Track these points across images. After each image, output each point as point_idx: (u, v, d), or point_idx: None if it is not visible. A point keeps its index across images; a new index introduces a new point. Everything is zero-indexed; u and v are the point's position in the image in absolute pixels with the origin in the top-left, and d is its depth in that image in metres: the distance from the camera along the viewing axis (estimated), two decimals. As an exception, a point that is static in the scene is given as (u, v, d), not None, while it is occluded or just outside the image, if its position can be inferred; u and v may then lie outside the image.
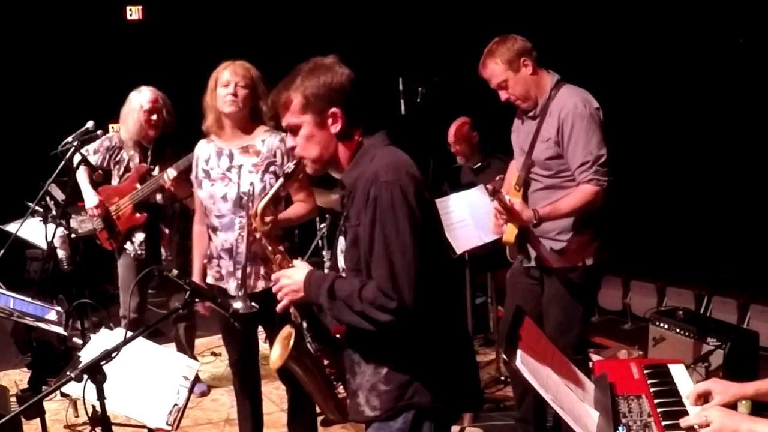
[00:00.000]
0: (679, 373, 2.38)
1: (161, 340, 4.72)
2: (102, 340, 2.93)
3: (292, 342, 2.27)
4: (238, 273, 3.29)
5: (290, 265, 2.30)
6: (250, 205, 3.15)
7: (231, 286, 3.33)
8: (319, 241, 5.87)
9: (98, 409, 2.37)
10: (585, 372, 2.60)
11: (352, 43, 7.52)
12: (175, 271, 2.58)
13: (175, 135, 4.47)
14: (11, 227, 4.82)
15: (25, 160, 6.65)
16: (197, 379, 4.82)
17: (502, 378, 4.65)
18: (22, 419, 3.22)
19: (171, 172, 4.02)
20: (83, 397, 2.39)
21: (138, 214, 4.36)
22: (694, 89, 5.90)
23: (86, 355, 2.77)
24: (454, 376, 2.19)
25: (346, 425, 3.84)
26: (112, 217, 4.42)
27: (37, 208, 4.32)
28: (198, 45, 7.93)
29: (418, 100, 5.31)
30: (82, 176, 4.43)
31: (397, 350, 2.12)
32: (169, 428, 2.78)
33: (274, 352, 2.37)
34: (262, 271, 3.30)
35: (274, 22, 8.06)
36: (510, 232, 3.34)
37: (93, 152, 4.42)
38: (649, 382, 2.32)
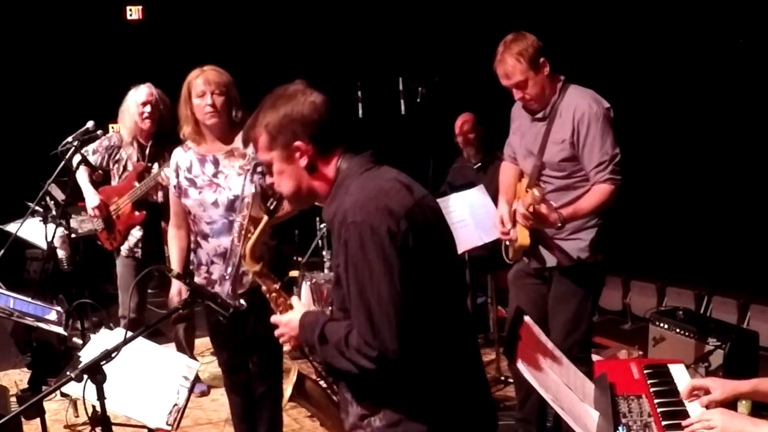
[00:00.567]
0: (679, 373, 2.38)
1: (161, 340, 4.72)
2: (102, 340, 2.93)
3: (291, 384, 2.23)
4: (235, 275, 3.29)
5: (287, 302, 2.21)
6: (245, 207, 3.16)
7: (225, 288, 3.31)
8: (319, 241, 5.86)
9: (98, 409, 2.37)
10: (588, 371, 2.60)
11: (353, 43, 7.55)
12: (175, 271, 2.58)
13: (174, 134, 4.47)
14: (11, 227, 4.82)
15: (25, 160, 6.66)
16: (197, 379, 4.83)
17: (502, 378, 4.65)
18: (22, 419, 3.22)
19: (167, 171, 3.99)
20: (83, 397, 2.39)
21: (137, 213, 4.36)
22: (694, 89, 5.90)
23: (86, 355, 2.77)
24: (457, 411, 1.99)
25: None
26: (112, 216, 4.42)
27: (37, 208, 4.32)
28: (198, 45, 7.93)
29: (418, 100, 5.31)
30: (82, 176, 4.43)
31: (390, 392, 1.96)
32: (169, 428, 2.78)
33: (285, 390, 2.34)
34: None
35: (274, 22, 8.07)
36: (524, 235, 3.33)
37: (92, 152, 4.42)
38: (649, 382, 2.32)
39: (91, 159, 4.38)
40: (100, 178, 4.48)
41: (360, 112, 5.95)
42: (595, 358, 3.68)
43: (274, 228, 3.31)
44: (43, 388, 3.86)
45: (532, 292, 3.51)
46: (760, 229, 5.49)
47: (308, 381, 2.27)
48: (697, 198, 5.94)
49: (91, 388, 2.28)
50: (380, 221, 1.83)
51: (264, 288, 2.29)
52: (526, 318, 2.36)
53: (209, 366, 5.17)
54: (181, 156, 3.37)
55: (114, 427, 2.58)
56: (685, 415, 2.11)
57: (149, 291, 5.30)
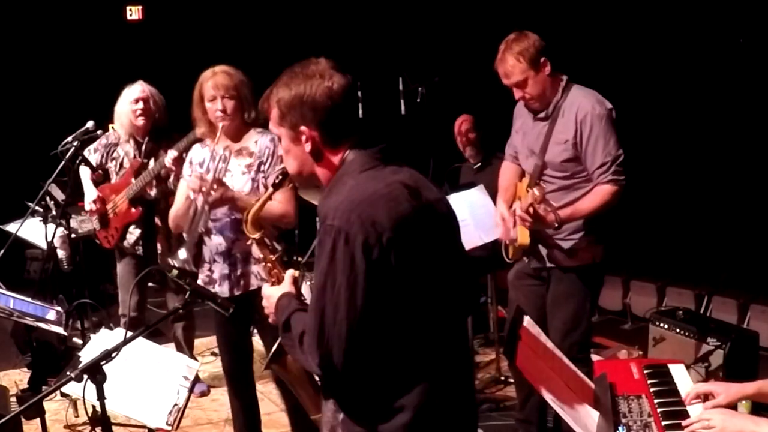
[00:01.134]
0: (679, 373, 2.38)
1: (161, 340, 4.72)
2: (102, 340, 2.93)
3: (271, 353, 2.21)
4: (233, 275, 3.30)
5: (281, 274, 2.17)
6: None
7: (224, 288, 3.32)
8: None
9: (98, 409, 2.37)
10: (587, 371, 2.60)
11: (353, 42, 7.54)
12: (175, 271, 2.58)
13: (174, 134, 4.47)
14: (11, 227, 4.82)
15: (25, 160, 6.66)
16: (197, 379, 4.84)
17: (502, 378, 4.65)
18: (22, 419, 3.22)
19: (172, 153, 3.89)
20: (83, 397, 2.39)
21: (133, 209, 4.35)
22: (694, 89, 5.90)
23: (86, 355, 2.77)
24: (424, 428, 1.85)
25: None
26: (108, 214, 4.42)
27: (37, 208, 4.32)
28: (198, 45, 7.92)
29: (418, 100, 5.31)
30: (84, 173, 4.45)
31: (354, 399, 1.88)
32: (169, 428, 2.78)
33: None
34: (255, 270, 3.29)
35: (274, 21, 8.06)
36: (524, 234, 3.33)
37: (93, 151, 4.45)
38: (649, 382, 2.32)
39: (92, 158, 4.39)
40: (100, 177, 4.49)
41: (360, 112, 5.95)
42: (595, 358, 3.68)
43: (278, 232, 3.32)
44: (43, 388, 3.86)
45: (531, 293, 3.51)
46: (760, 229, 5.49)
47: (285, 357, 2.19)
48: (697, 198, 5.94)
49: (91, 388, 2.28)
50: (358, 230, 1.73)
51: (261, 256, 2.27)
52: (526, 318, 2.36)
53: (209, 366, 5.18)
54: (197, 152, 3.41)
55: (114, 427, 2.58)
56: (685, 415, 2.11)
57: (150, 285, 5.30)
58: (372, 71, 6.50)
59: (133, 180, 4.32)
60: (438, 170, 5.54)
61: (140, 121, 4.34)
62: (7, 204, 5.40)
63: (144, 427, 2.97)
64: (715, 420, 1.96)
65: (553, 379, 2.18)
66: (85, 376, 2.24)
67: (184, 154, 3.60)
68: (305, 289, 5.12)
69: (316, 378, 2.15)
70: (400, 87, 5.64)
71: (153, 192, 4.39)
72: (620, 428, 2.08)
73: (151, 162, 4.34)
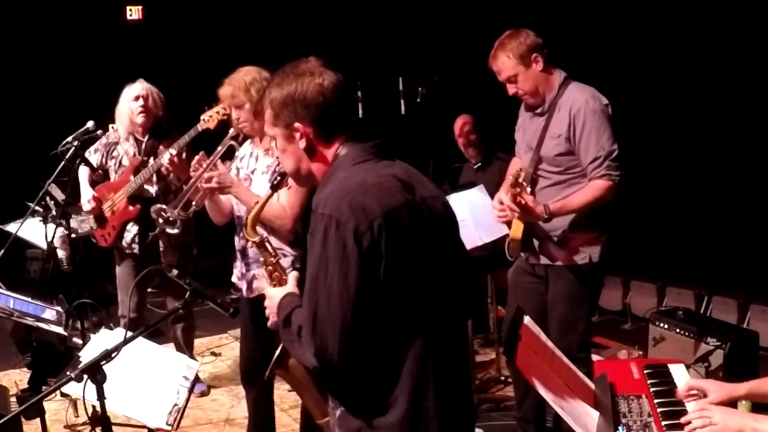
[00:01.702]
0: (679, 373, 2.38)
1: (161, 340, 4.71)
2: (102, 340, 2.93)
3: (275, 358, 2.23)
4: (249, 275, 3.32)
5: (282, 278, 2.19)
6: None
7: (243, 287, 3.37)
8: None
9: (98, 409, 2.37)
10: (587, 371, 2.60)
11: (353, 42, 7.54)
12: (175, 271, 2.58)
13: (174, 132, 4.47)
14: (11, 227, 4.82)
15: (25, 160, 6.66)
16: (197, 379, 4.85)
17: (502, 378, 4.65)
18: (22, 419, 3.22)
19: (172, 150, 3.86)
20: (83, 397, 2.39)
21: (132, 207, 4.34)
22: (694, 89, 5.90)
23: (86, 355, 2.77)
24: (421, 421, 1.86)
25: None
26: (105, 213, 4.41)
27: (37, 208, 4.32)
28: (198, 45, 7.94)
29: (418, 100, 5.31)
30: (83, 174, 4.44)
31: (350, 393, 1.90)
32: (169, 428, 2.78)
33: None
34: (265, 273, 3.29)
35: (274, 21, 8.07)
36: (516, 228, 3.34)
37: (94, 151, 4.46)
38: (649, 382, 2.32)
39: (93, 158, 4.40)
40: (100, 177, 4.48)
41: (360, 112, 5.95)
42: (595, 358, 3.67)
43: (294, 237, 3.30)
44: (43, 388, 3.86)
45: (530, 291, 3.51)
46: (760, 229, 5.49)
47: (292, 358, 2.20)
48: (697, 198, 5.94)
49: (91, 388, 2.28)
50: (349, 217, 1.76)
51: (262, 259, 2.28)
52: (526, 317, 2.36)
53: (209, 366, 5.18)
54: (244, 148, 3.42)
55: (114, 427, 2.58)
56: (684, 414, 2.11)
57: (149, 290, 5.30)
58: (372, 71, 6.50)
59: (132, 178, 4.32)
60: (438, 170, 5.54)
61: (140, 119, 4.34)
62: (7, 204, 5.40)
63: (144, 427, 2.97)
64: (716, 417, 1.95)
65: (553, 378, 2.18)
66: (85, 376, 2.24)
67: (183, 152, 3.60)
68: None
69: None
70: (400, 87, 5.64)
71: (152, 190, 4.38)
72: (620, 428, 2.08)
73: (151, 160, 4.34)
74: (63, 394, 4.22)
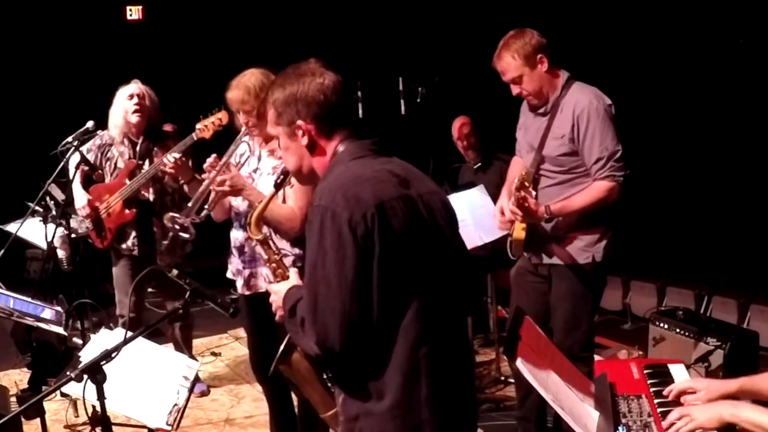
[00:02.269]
0: (679, 373, 2.38)
1: (161, 340, 4.71)
2: (102, 340, 2.93)
3: (279, 354, 2.25)
4: (245, 272, 3.33)
5: (285, 274, 2.25)
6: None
7: (239, 284, 3.38)
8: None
9: (98, 409, 2.37)
10: (589, 370, 2.60)
11: (353, 42, 7.55)
12: (175, 271, 2.58)
13: (169, 135, 4.47)
14: (11, 227, 4.82)
15: (25, 160, 6.65)
16: (197, 379, 4.85)
17: (502, 378, 4.65)
18: (22, 419, 3.23)
19: (174, 154, 3.78)
20: (83, 397, 2.39)
21: (127, 211, 4.33)
22: (694, 89, 5.90)
23: (86, 355, 2.77)
24: (410, 421, 1.90)
25: None
26: (101, 215, 4.40)
27: (37, 208, 4.32)
28: (198, 45, 7.93)
29: (418, 100, 5.30)
30: (76, 179, 4.38)
31: (350, 380, 1.95)
32: (169, 428, 2.78)
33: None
34: (265, 271, 3.30)
35: (274, 21, 8.07)
36: (519, 228, 3.34)
37: (87, 151, 4.39)
38: (649, 382, 2.32)
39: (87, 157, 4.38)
40: (101, 177, 4.47)
41: (360, 112, 5.95)
42: (595, 358, 3.68)
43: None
44: (43, 388, 3.86)
45: (533, 290, 3.51)
46: (760, 229, 5.49)
47: (296, 353, 2.23)
48: (697, 198, 5.94)
49: (91, 388, 2.28)
50: (343, 208, 1.83)
51: (266, 257, 2.36)
52: (527, 317, 2.36)
53: (209, 366, 5.18)
54: (244, 144, 3.40)
55: (114, 427, 2.58)
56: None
57: (148, 290, 5.30)
58: (372, 71, 6.50)
59: (127, 181, 4.30)
60: (438, 170, 5.54)
61: (135, 118, 4.30)
62: (7, 204, 5.39)
63: (144, 427, 2.97)
64: (695, 412, 1.98)
65: (553, 378, 2.18)
66: (85, 376, 2.24)
67: (183, 157, 3.60)
68: None
69: (324, 375, 2.21)
70: (400, 87, 5.64)
71: (149, 193, 4.37)
72: (620, 428, 2.08)
73: (146, 164, 4.32)
74: (63, 394, 4.22)
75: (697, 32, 5.80)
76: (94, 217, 4.41)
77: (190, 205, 3.15)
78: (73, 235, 4.56)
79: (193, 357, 4.84)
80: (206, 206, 3.32)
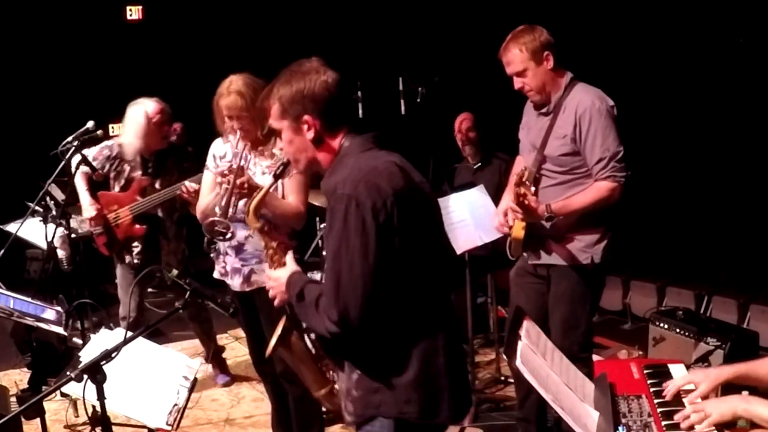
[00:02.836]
0: (679, 373, 2.38)
1: (161, 340, 4.73)
2: (102, 340, 2.93)
3: (277, 334, 2.35)
4: (245, 269, 3.36)
5: (282, 260, 2.33)
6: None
7: (235, 282, 3.40)
8: (319, 241, 5.87)
9: (98, 409, 2.37)
10: (589, 371, 2.60)
11: (353, 43, 7.55)
12: (175, 272, 2.59)
13: (183, 132, 4.47)
14: (11, 227, 4.82)
15: (25, 160, 6.66)
16: (224, 370, 4.89)
17: (502, 378, 4.65)
18: (22, 419, 3.23)
19: (192, 185, 3.88)
20: (83, 397, 2.39)
21: (137, 226, 4.34)
22: (694, 89, 5.90)
23: (86, 355, 2.77)
24: (431, 390, 2.09)
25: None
26: (111, 224, 4.39)
27: (37, 208, 4.31)
28: (198, 45, 7.93)
29: (418, 100, 5.31)
30: (80, 182, 4.37)
31: (368, 356, 2.11)
32: (169, 428, 2.78)
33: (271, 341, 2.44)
34: (266, 267, 3.33)
35: (274, 22, 8.07)
36: (518, 228, 3.34)
37: (92, 158, 4.33)
38: (649, 382, 2.32)
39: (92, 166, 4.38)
40: (101, 178, 4.46)
41: (360, 112, 5.95)
42: (595, 358, 3.68)
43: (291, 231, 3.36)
44: (43, 388, 3.86)
45: (532, 290, 3.51)
46: (760, 229, 5.49)
47: (294, 334, 2.35)
48: (697, 198, 5.94)
49: (91, 388, 2.28)
50: (366, 196, 1.97)
51: (263, 243, 2.45)
52: (527, 317, 2.37)
53: (209, 366, 5.17)
54: (218, 146, 3.46)
55: (114, 427, 2.58)
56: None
57: (149, 290, 5.31)
58: (372, 71, 6.51)
59: (138, 197, 4.31)
60: (438, 170, 5.54)
61: (159, 145, 4.32)
62: (7, 204, 5.40)
63: (144, 427, 2.97)
64: (709, 408, 2.01)
65: (553, 378, 2.18)
66: (85, 376, 2.25)
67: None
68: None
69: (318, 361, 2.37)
70: (400, 87, 5.65)
71: (158, 211, 4.39)
72: (620, 428, 2.08)
73: (158, 183, 4.33)
74: (63, 394, 4.22)
75: (697, 32, 5.80)
76: (102, 223, 4.38)
77: (219, 211, 3.15)
78: (73, 235, 4.56)
79: (219, 347, 4.97)
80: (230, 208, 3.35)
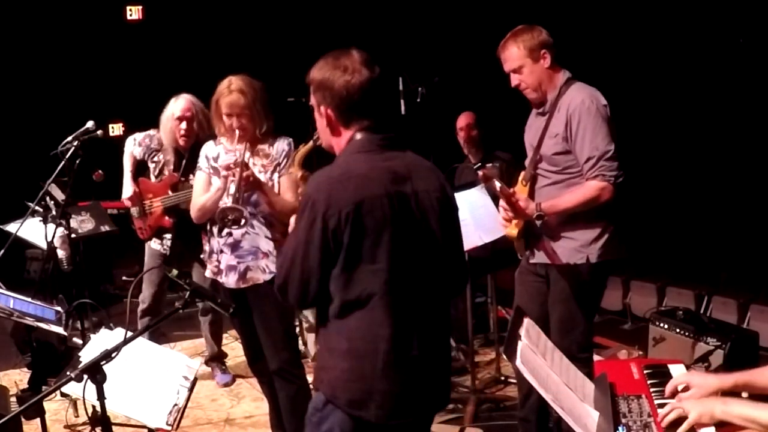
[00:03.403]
0: (679, 373, 2.38)
1: (161, 340, 4.72)
2: (102, 340, 2.93)
3: None
4: (241, 266, 3.38)
5: None
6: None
7: (230, 280, 3.42)
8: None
9: (98, 409, 2.37)
10: (588, 371, 2.60)
11: (352, 43, 7.54)
12: (175, 271, 2.59)
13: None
14: (11, 227, 4.81)
15: (25, 160, 6.65)
16: (224, 370, 4.91)
17: (502, 378, 4.65)
18: (22, 419, 3.23)
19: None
20: (83, 397, 2.39)
21: (166, 218, 4.43)
22: (694, 89, 5.90)
23: (86, 355, 2.77)
24: (359, 386, 2.17)
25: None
26: (146, 210, 4.50)
27: (37, 208, 4.31)
28: (198, 45, 7.93)
29: (418, 100, 5.31)
30: (126, 162, 4.54)
31: (323, 337, 2.25)
32: (169, 428, 2.78)
33: None
34: (263, 264, 3.37)
35: (274, 22, 8.07)
36: (512, 227, 3.34)
37: (138, 143, 4.51)
38: (649, 382, 2.32)
39: (136, 150, 4.52)
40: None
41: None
42: (595, 358, 3.68)
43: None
44: (43, 388, 3.86)
45: (534, 289, 3.51)
46: (760, 229, 5.49)
47: None
48: (697, 198, 5.94)
49: (91, 388, 2.28)
50: (323, 202, 2.09)
51: (300, 189, 2.63)
52: (526, 318, 2.36)
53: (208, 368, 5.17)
54: (210, 148, 3.52)
55: (114, 427, 2.58)
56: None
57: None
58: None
59: (169, 191, 4.38)
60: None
61: (182, 141, 4.36)
62: (7, 204, 5.39)
63: (144, 427, 2.97)
64: (688, 406, 2.00)
65: (553, 378, 2.18)
66: (85, 376, 2.25)
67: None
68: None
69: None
70: (400, 87, 5.64)
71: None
72: (620, 428, 2.08)
73: (191, 178, 4.34)
74: (63, 394, 4.22)
75: (697, 32, 5.80)
76: (137, 206, 4.50)
77: (230, 199, 3.23)
78: (73, 235, 4.55)
79: (222, 352, 5.03)
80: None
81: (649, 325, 4.54)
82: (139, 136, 4.53)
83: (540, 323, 2.54)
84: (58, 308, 3.44)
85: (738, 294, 5.25)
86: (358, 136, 2.20)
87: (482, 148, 5.32)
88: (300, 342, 4.75)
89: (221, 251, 3.43)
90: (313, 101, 2.27)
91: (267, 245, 3.36)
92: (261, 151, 3.41)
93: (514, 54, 3.27)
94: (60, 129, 4.32)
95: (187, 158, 4.40)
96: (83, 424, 4.19)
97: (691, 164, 5.97)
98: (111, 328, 3.19)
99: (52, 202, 4.83)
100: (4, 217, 5.10)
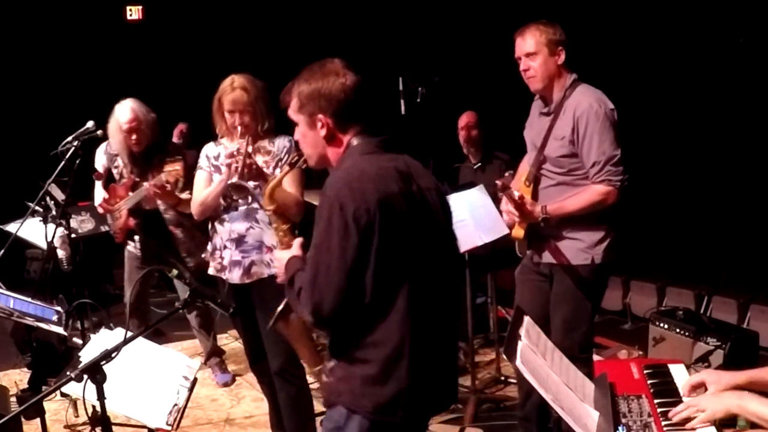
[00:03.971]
0: (679, 373, 2.38)
1: (161, 340, 4.73)
2: (102, 340, 2.93)
3: (279, 309, 2.45)
4: (246, 261, 3.39)
5: (290, 242, 2.43)
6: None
7: (234, 275, 3.42)
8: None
9: (98, 409, 2.37)
10: (589, 371, 2.60)
11: (353, 43, 7.54)
12: (175, 271, 2.60)
13: (188, 132, 4.46)
14: (11, 227, 4.82)
15: (25, 160, 6.66)
16: (224, 370, 4.90)
17: (502, 378, 4.65)
18: (22, 419, 3.23)
19: (159, 179, 3.97)
20: (83, 397, 2.40)
21: (131, 220, 4.41)
22: (694, 89, 5.90)
23: (86, 355, 2.77)
24: (387, 390, 2.14)
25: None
26: (114, 215, 4.48)
27: (37, 208, 4.32)
28: (198, 45, 7.93)
29: (418, 100, 5.31)
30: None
31: (341, 348, 2.20)
32: (169, 428, 2.78)
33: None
34: (267, 258, 3.38)
35: (274, 22, 8.07)
36: (518, 228, 3.35)
37: (104, 152, 4.50)
38: (649, 382, 2.32)
39: (102, 159, 4.49)
40: (101, 178, 4.48)
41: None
42: (595, 358, 3.68)
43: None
44: (43, 388, 3.86)
45: (536, 288, 3.51)
46: (760, 229, 5.49)
47: (293, 313, 2.44)
48: (697, 198, 5.94)
49: (91, 388, 2.28)
50: (350, 201, 2.05)
51: (275, 225, 2.58)
52: (526, 318, 2.36)
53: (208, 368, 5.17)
54: (210, 149, 3.53)
55: (114, 427, 2.58)
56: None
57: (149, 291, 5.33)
58: (372, 71, 6.49)
59: (130, 193, 4.35)
60: (438, 170, 5.54)
61: (135, 149, 4.33)
62: (7, 204, 5.39)
63: (144, 427, 2.97)
64: (703, 403, 2.02)
65: (553, 378, 2.18)
66: (85, 376, 2.25)
67: (167, 185, 3.84)
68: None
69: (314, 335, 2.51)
70: (400, 87, 5.64)
71: (157, 204, 4.39)
72: (620, 428, 2.08)
73: (146, 182, 4.34)
74: (63, 394, 4.22)
75: (697, 32, 5.80)
76: (110, 212, 4.50)
77: (235, 177, 3.30)
78: (73, 235, 4.57)
79: (218, 347, 5.03)
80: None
81: (649, 325, 4.54)
82: (100, 149, 4.48)
83: (541, 322, 2.54)
84: (58, 308, 3.44)
85: (738, 294, 5.25)
86: (355, 141, 2.21)
87: (482, 148, 5.33)
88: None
89: (225, 247, 3.43)
90: (300, 118, 2.24)
91: (271, 239, 3.35)
92: (262, 148, 3.42)
93: (533, 38, 3.28)
94: (60, 129, 4.32)
95: (139, 162, 4.37)
96: (83, 424, 4.19)
97: (691, 164, 5.97)
98: (111, 328, 3.19)
99: (52, 202, 4.84)
100: (4, 217, 5.12)
